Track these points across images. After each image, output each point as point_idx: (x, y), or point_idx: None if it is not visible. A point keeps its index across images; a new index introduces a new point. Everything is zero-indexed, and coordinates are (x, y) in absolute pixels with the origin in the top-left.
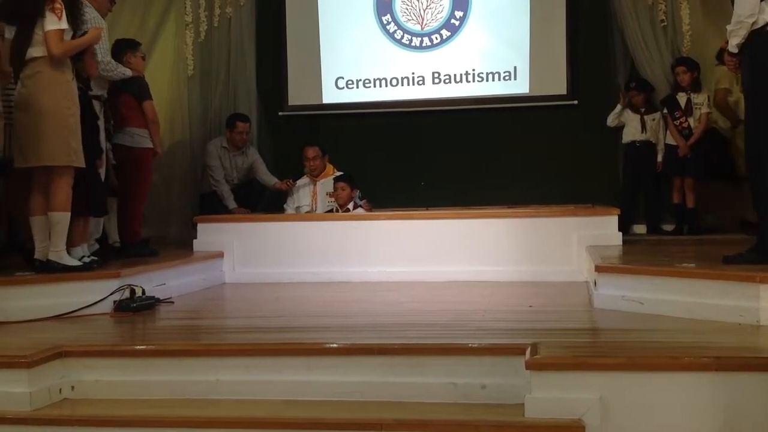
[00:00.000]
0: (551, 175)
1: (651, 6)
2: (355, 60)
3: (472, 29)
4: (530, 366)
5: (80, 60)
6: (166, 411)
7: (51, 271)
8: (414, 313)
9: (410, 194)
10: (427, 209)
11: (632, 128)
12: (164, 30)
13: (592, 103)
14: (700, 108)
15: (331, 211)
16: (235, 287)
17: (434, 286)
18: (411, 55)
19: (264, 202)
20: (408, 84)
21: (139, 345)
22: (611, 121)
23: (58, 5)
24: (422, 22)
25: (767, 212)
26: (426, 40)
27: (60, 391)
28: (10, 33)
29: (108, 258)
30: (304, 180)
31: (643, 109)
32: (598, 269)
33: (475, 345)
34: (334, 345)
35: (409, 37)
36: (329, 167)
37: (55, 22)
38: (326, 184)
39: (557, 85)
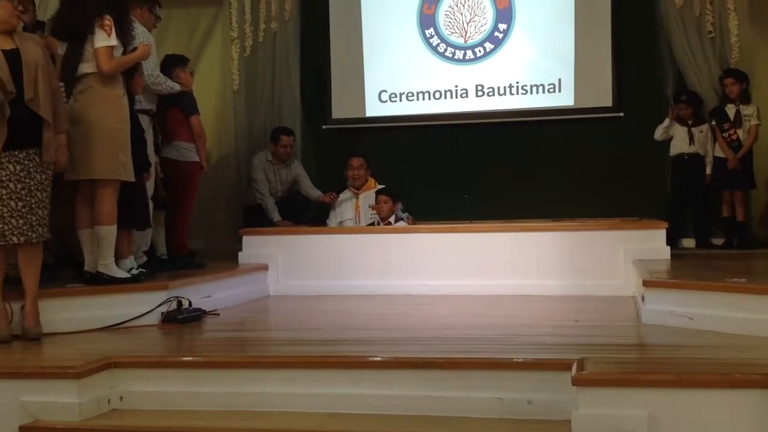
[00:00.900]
0: (597, 188)
1: (698, 17)
2: (398, 73)
3: (516, 42)
4: (577, 382)
5: (131, 76)
6: (213, 422)
7: (100, 283)
8: (458, 327)
9: (453, 207)
10: (471, 222)
11: (680, 141)
12: (210, 45)
13: (638, 115)
14: (749, 120)
15: (373, 224)
16: (280, 299)
17: (478, 300)
18: (454, 68)
19: (308, 215)
20: (451, 97)
21: (186, 356)
22: (659, 135)
23: (107, 22)
24: (465, 35)
25: None
26: (469, 53)
27: (109, 402)
28: (62, 49)
29: (155, 270)
30: (347, 194)
31: (690, 122)
32: (646, 284)
33: (521, 360)
34: (378, 358)
35: (453, 50)
36: (371, 180)
37: (104, 39)
38: (368, 197)
39: (603, 97)
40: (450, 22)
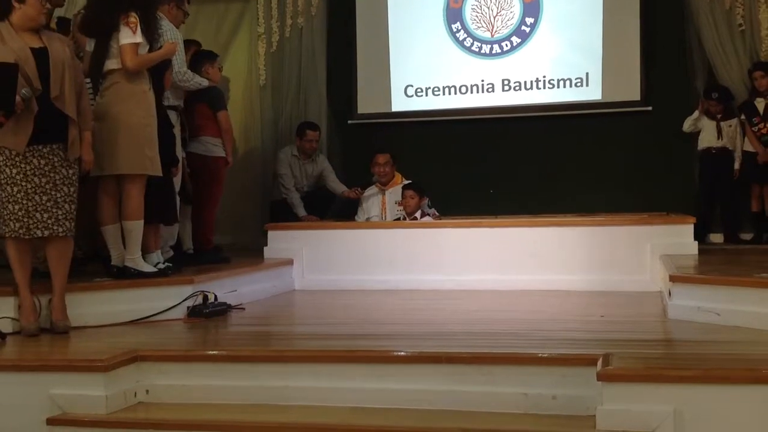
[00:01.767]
0: (624, 182)
1: (728, 10)
2: (425, 68)
3: (543, 36)
4: (602, 377)
5: (162, 73)
6: (237, 416)
7: (127, 277)
8: (482, 322)
9: (479, 202)
10: (497, 217)
11: (708, 134)
12: (237, 40)
13: (666, 109)
14: None
15: (399, 219)
16: (305, 294)
17: (503, 295)
18: (481, 63)
19: (333, 209)
20: (477, 91)
21: (212, 350)
22: (687, 126)
23: (132, 19)
24: (492, 30)
25: None
26: (496, 47)
27: (135, 395)
28: (90, 46)
29: (182, 264)
30: (373, 190)
31: (719, 116)
32: (673, 279)
33: (546, 355)
34: (403, 353)
35: (479, 44)
36: (397, 176)
37: (129, 36)
38: (394, 192)
39: (630, 91)
40: (477, 16)
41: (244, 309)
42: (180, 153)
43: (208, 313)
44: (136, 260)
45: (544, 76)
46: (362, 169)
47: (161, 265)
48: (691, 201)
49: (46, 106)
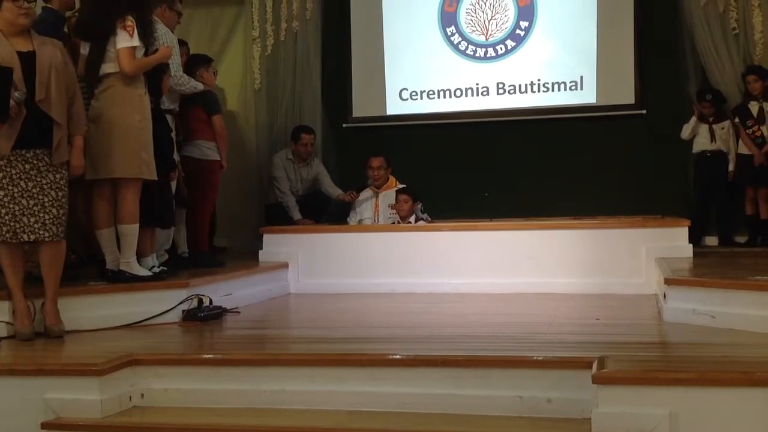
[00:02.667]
0: (619, 185)
1: (722, 13)
2: (419, 71)
3: (538, 39)
4: (597, 380)
5: (160, 77)
6: (233, 420)
7: (122, 281)
8: (478, 325)
9: (474, 206)
10: (491, 221)
11: (702, 138)
12: (232, 44)
13: (661, 112)
14: None
15: (393, 223)
16: (300, 297)
17: (499, 298)
18: (475, 66)
19: (328, 213)
20: (472, 95)
21: (207, 354)
22: (686, 134)
23: (129, 23)
24: (487, 33)
25: None
26: (491, 50)
27: (130, 399)
28: (85, 49)
29: (177, 268)
30: (367, 193)
31: (711, 119)
32: (668, 282)
33: (541, 358)
34: (398, 356)
35: (474, 47)
36: (392, 179)
37: (126, 40)
38: (388, 196)
39: (625, 94)
40: (471, 19)
41: (239, 312)
42: (175, 157)
43: (203, 317)
44: (131, 264)
45: (539, 80)
46: (357, 173)
47: (156, 269)
48: (686, 204)
49: (33, 110)
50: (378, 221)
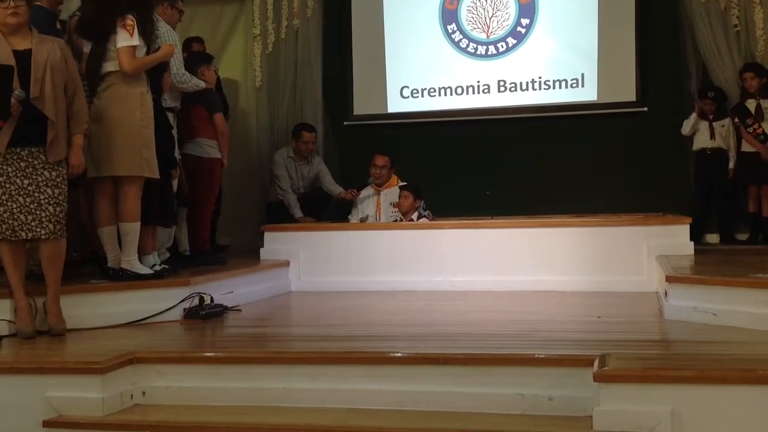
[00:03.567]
0: (620, 183)
1: (723, 11)
2: (420, 69)
3: (539, 37)
4: (598, 378)
5: (161, 75)
6: (234, 417)
7: (123, 279)
8: (479, 323)
9: (475, 203)
10: (493, 218)
11: (702, 135)
12: (233, 42)
13: (662, 109)
14: None
15: (395, 221)
16: (301, 296)
17: (500, 296)
18: (476, 64)
19: (330, 211)
20: (473, 92)
21: (208, 352)
22: (687, 130)
23: (129, 22)
24: (488, 31)
25: None
26: (492, 48)
27: (131, 397)
28: (88, 48)
29: (178, 266)
30: (369, 191)
31: (711, 116)
32: (669, 279)
33: (543, 356)
34: (399, 354)
35: (475, 45)
36: (394, 178)
37: (127, 39)
38: (390, 194)
39: (626, 92)
40: (472, 17)
41: (240, 311)
42: (176, 155)
43: (204, 315)
44: (132, 262)
45: (540, 77)
46: (358, 171)
47: (157, 267)
48: (687, 201)
49: (30, 108)
50: (380, 219)
